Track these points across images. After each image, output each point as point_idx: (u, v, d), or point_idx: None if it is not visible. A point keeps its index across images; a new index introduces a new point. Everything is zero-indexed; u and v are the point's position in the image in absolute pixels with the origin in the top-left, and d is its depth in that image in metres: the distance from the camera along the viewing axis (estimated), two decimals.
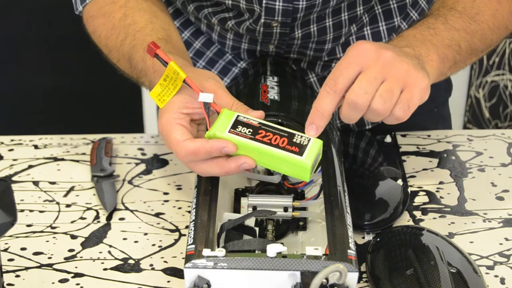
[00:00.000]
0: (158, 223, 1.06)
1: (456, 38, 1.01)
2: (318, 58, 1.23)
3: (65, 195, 1.12)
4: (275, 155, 0.89)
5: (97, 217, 1.07)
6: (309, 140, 0.90)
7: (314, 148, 0.89)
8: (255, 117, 0.91)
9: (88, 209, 1.09)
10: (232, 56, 1.26)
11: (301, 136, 0.90)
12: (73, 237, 1.04)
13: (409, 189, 1.10)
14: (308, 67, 1.25)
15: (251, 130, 0.90)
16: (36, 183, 1.15)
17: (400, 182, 1.10)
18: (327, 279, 0.80)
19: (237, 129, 0.90)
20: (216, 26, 1.22)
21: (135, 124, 2.40)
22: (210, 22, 1.20)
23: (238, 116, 0.91)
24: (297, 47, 1.21)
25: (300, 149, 0.89)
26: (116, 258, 0.99)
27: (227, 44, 1.24)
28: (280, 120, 1.02)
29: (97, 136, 1.25)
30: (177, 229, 1.05)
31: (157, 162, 1.20)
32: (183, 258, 0.97)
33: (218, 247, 0.89)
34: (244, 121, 0.91)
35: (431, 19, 1.02)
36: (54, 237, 1.04)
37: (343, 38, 1.21)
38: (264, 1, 1.10)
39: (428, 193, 1.12)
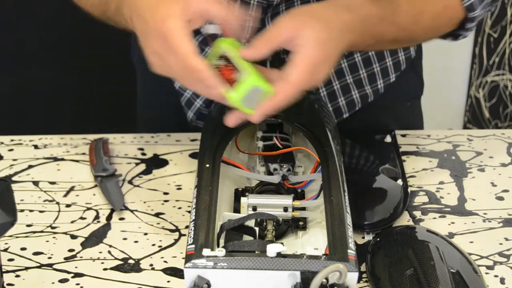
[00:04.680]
0: (158, 223, 1.06)
1: (385, 30, 1.03)
2: None
3: (65, 195, 1.12)
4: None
5: (97, 217, 1.07)
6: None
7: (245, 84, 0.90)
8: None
9: (88, 209, 1.09)
10: None
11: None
12: (73, 237, 1.04)
13: (409, 189, 1.10)
14: None
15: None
16: (36, 183, 1.15)
17: (400, 182, 1.10)
18: (327, 279, 0.80)
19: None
20: None
21: (135, 124, 2.39)
22: None
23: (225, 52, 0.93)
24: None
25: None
26: (116, 258, 0.99)
27: None
28: (280, 120, 1.02)
29: (97, 136, 1.25)
30: (177, 229, 1.05)
31: (157, 162, 1.20)
32: (183, 258, 0.97)
33: (218, 247, 0.89)
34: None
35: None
36: (54, 237, 1.04)
37: None
38: None
39: (428, 193, 1.12)
